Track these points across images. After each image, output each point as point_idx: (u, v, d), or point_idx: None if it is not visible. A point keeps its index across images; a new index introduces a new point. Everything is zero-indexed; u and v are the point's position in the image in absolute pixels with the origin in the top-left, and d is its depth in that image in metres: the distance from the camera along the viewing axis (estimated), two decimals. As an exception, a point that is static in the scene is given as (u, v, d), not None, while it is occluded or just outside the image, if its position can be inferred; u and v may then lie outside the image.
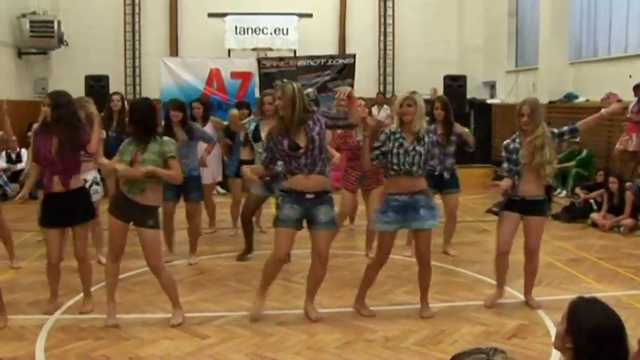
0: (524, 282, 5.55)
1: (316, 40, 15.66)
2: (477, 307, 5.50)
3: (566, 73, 12.99)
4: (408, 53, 16.66)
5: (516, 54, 15.72)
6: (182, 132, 6.75)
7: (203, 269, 6.75)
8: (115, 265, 5.09)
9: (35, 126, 7.32)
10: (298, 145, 4.86)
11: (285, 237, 5.00)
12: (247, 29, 15.34)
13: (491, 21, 16.23)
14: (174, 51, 16.01)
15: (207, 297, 5.81)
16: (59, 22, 14.58)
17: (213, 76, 14.02)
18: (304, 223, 5.06)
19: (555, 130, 5.29)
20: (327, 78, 14.10)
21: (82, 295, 5.52)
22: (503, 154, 5.37)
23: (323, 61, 14.32)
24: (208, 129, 7.51)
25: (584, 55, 12.97)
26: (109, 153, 7.34)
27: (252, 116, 7.33)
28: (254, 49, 15.21)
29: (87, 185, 5.90)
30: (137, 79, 16.03)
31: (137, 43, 16.03)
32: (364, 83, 14.69)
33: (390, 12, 16.80)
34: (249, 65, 14.18)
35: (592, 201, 9.44)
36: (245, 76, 14.05)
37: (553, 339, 2.60)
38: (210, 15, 15.35)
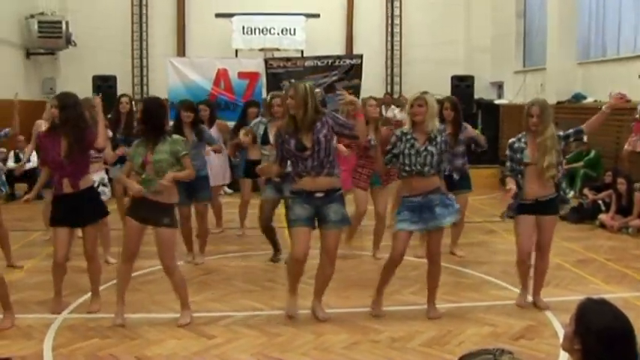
0: (533, 282, 5.52)
1: (323, 41, 15.66)
2: (484, 307, 5.49)
3: (574, 74, 12.93)
4: (415, 53, 16.63)
5: (524, 54, 15.66)
6: (192, 133, 6.74)
7: (210, 269, 6.76)
8: (127, 267, 5.10)
9: (39, 122, 7.37)
10: (305, 146, 4.85)
11: (299, 236, 4.99)
12: (255, 29, 15.35)
13: (499, 21, 16.19)
14: (181, 51, 16.04)
15: (214, 297, 5.82)
16: (67, 23, 14.64)
17: (221, 76, 14.06)
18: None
19: (561, 133, 5.28)
20: (334, 78, 14.14)
21: (89, 294, 5.54)
22: (508, 152, 5.37)
23: (330, 61, 14.35)
24: (214, 132, 7.50)
25: (593, 55, 12.91)
26: (119, 159, 7.38)
27: (259, 117, 7.32)
28: (261, 50, 15.23)
29: (94, 186, 5.90)
30: (144, 79, 16.07)
31: (144, 43, 16.07)
32: (371, 83, 14.68)
33: (397, 12, 16.79)
34: (257, 65, 14.21)
35: (600, 202, 9.40)
36: (252, 77, 14.08)
37: (561, 340, 2.59)
38: (218, 15, 15.37)
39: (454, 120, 6.89)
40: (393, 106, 14.56)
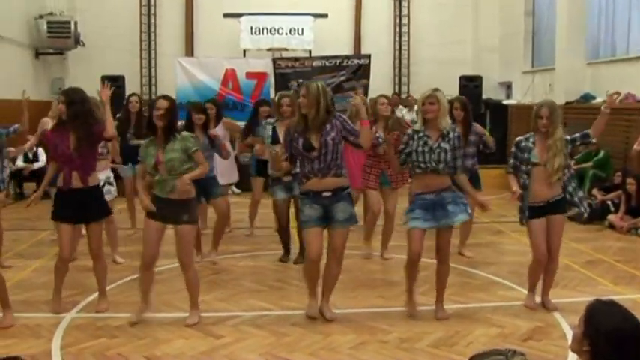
0: (542, 282, 5.49)
1: (331, 41, 15.65)
2: (492, 308, 5.48)
3: (583, 73, 12.86)
4: (423, 53, 16.60)
5: (532, 54, 15.60)
6: (203, 135, 6.74)
7: (218, 269, 6.77)
8: (148, 273, 5.11)
9: (45, 120, 7.40)
10: (312, 146, 4.86)
11: (312, 237, 5.00)
12: (262, 29, 15.35)
13: (507, 20, 16.12)
14: (189, 51, 16.07)
15: (222, 297, 5.82)
16: (76, 23, 14.68)
17: (229, 76, 14.09)
18: None
19: (567, 137, 5.26)
20: (342, 78, 14.14)
21: (97, 294, 5.55)
22: (513, 149, 5.36)
23: (338, 61, 14.35)
24: (219, 130, 7.50)
25: (602, 54, 12.84)
26: (130, 158, 7.41)
27: (271, 117, 7.32)
28: (269, 50, 15.23)
29: (100, 185, 5.91)
30: (153, 79, 16.10)
31: (153, 43, 16.10)
32: (379, 83, 14.64)
33: (405, 12, 16.75)
34: (265, 65, 14.23)
35: (609, 202, 9.36)
36: (260, 77, 14.10)
37: (569, 341, 2.58)
38: (226, 15, 15.39)
39: (464, 120, 6.88)
40: (400, 107, 14.54)
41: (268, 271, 6.75)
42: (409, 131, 5.12)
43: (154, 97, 14.71)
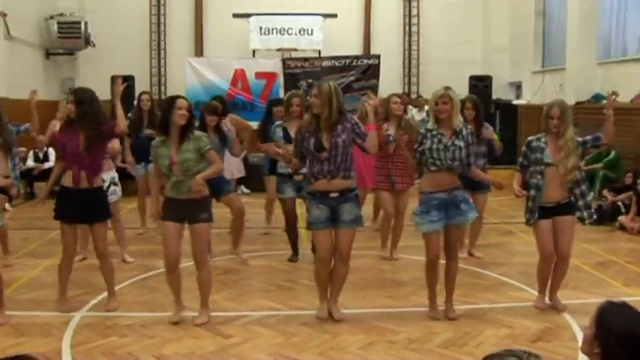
0: (551, 282, 5.45)
1: (341, 41, 15.63)
2: (502, 309, 5.45)
3: (594, 73, 12.79)
4: (433, 53, 16.55)
5: (543, 54, 15.52)
6: (216, 136, 6.75)
7: (227, 269, 6.78)
8: (174, 275, 5.09)
9: (53, 122, 7.43)
10: (323, 146, 4.86)
11: (321, 238, 5.04)
12: (272, 29, 15.35)
13: (518, 20, 16.05)
14: (199, 51, 16.09)
15: (231, 296, 5.83)
16: (86, 23, 14.75)
17: (238, 76, 14.13)
18: None
19: (579, 139, 5.24)
20: (351, 78, 14.15)
21: (106, 293, 5.57)
22: (524, 148, 5.35)
23: (348, 61, 14.35)
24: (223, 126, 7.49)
25: (614, 54, 12.75)
26: (142, 157, 7.42)
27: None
28: (279, 50, 15.23)
29: (105, 185, 5.93)
30: (162, 79, 16.13)
31: (162, 43, 16.13)
32: (389, 83, 14.63)
33: (414, 12, 16.71)
34: (274, 65, 14.25)
35: (620, 203, 9.30)
36: (270, 77, 14.13)
37: (580, 343, 2.56)
38: (235, 15, 15.40)
39: (475, 119, 6.86)
40: (410, 107, 14.51)
41: (277, 271, 6.75)
42: (422, 130, 5.12)
43: (163, 97, 14.75)
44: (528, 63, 15.56)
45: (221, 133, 6.85)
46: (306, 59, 14.48)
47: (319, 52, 15.27)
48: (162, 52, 16.10)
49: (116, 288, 5.65)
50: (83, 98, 5.15)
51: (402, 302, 5.62)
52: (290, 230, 7.12)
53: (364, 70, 14.25)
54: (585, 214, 5.29)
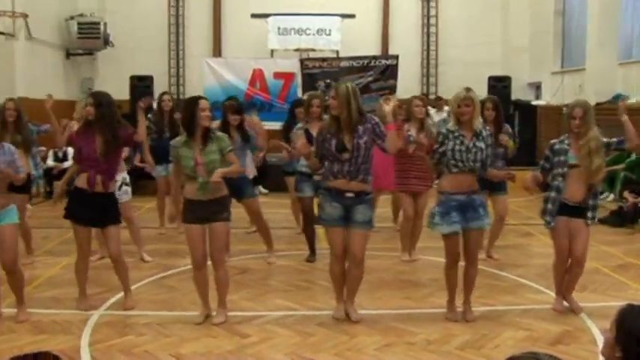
0: (566, 282, 5.39)
1: (359, 41, 15.61)
2: (520, 311, 5.41)
3: (614, 74, 12.65)
4: (451, 54, 16.47)
5: (562, 54, 15.39)
6: (238, 135, 6.76)
7: (244, 268, 6.79)
8: (201, 273, 5.11)
9: (71, 123, 7.49)
10: (345, 147, 4.86)
11: (334, 236, 5.05)
12: (290, 30, 15.38)
13: (537, 20, 15.92)
14: (217, 52, 16.16)
15: (249, 296, 5.84)
16: (105, 24, 14.89)
17: (256, 76, 14.15)
18: None
19: (604, 140, 5.18)
20: (369, 79, 14.10)
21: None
22: (547, 152, 5.30)
23: (366, 61, 14.31)
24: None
25: (635, 54, 12.59)
26: (162, 158, 7.44)
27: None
28: (297, 50, 15.25)
29: (117, 185, 5.97)
30: (181, 79, 16.24)
31: (181, 44, 16.23)
32: (407, 84, 14.59)
33: (433, 12, 16.65)
34: (292, 66, 14.25)
35: (641, 205, 9.20)
36: (288, 77, 14.13)
37: (600, 346, 2.54)
38: (253, 16, 15.44)
39: (495, 120, 6.82)
40: (428, 107, 14.45)
41: (295, 271, 6.75)
42: (443, 130, 5.08)
43: (182, 97, 14.83)
44: (548, 63, 15.44)
45: (243, 132, 6.86)
46: (324, 59, 14.48)
47: (337, 52, 15.27)
48: (180, 52, 16.20)
49: (134, 287, 5.69)
50: (102, 101, 5.21)
51: (419, 303, 5.59)
52: (308, 230, 7.14)
53: (382, 71, 14.20)
54: (589, 214, 5.24)
